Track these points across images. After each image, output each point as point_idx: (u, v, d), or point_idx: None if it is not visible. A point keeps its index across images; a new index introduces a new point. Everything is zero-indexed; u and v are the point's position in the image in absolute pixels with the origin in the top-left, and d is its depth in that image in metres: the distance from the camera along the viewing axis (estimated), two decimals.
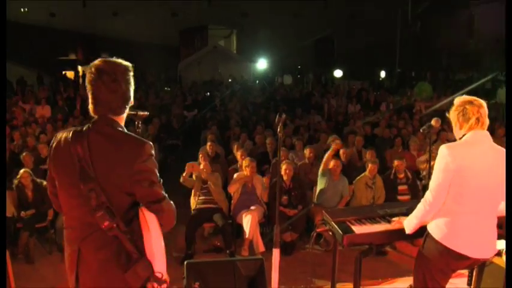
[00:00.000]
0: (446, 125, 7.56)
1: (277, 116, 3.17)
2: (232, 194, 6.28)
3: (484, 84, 12.30)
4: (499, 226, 2.93)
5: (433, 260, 2.81)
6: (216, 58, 19.24)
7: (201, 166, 6.24)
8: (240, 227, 6.05)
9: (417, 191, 6.44)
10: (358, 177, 6.57)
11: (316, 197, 6.50)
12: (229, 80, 18.51)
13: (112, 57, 2.10)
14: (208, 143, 7.82)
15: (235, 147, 7.81)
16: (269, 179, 6.70)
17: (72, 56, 21.47)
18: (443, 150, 2.74)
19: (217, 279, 3.41)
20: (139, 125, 2.36)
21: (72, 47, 21.29)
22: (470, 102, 2.76)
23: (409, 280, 4.69)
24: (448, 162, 2.69)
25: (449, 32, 15.20)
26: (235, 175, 6.41)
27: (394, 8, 17.63)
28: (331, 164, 6.37)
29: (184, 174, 6.11)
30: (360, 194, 6.47)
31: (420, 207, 2.87)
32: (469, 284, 3.93)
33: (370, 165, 6.48)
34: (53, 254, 5.93)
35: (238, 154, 7.08)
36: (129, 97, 2.10)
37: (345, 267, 4.13)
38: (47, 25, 18.43)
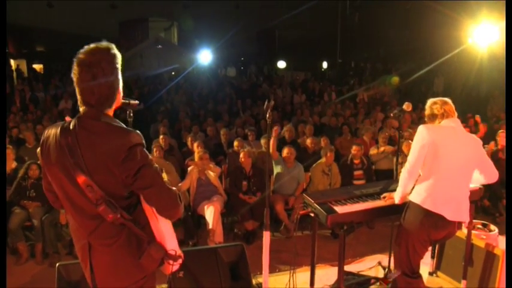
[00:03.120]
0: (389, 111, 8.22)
1: (266, 102, 3.24)
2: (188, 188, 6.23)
3: (421, 74, 13.07)
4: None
5: (414, 230, 3.10)
6: (159, 51, 18.85)
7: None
8: (200, 218, 6.02)
9: (371, 175, 6.72)
10: (315, 165, 6.74)
11: (273, 184, 6.60)
12: (173, 73, 18.23)
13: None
14: (161, 136, 7.70)
15: (189, 139, 7.77)
16: (226, 169, 6.72)
17: None
18: (421, 128, 3.14)
19: (201, 267, 3.42)
20: (131, 114, 2.30)
21: None
22: (435, 103, 3.27)
23: (376, 258, 4.94)
24: (424, 137, 3.07)
25: (386, 23, 15.85)
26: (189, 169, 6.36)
27: (335, 0, 18.10)
28: (284, 152, 6.50)
29: None
30: (317, 180, 6.63)
31: (401, 176, 3.21)
32: (433, 256, 4.21)
33: (328, 153, 6.62)
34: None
35: (195, 146, 7.03)
36: (117, 87, 1.99)
37: (307, 252, 4.23)
38: None
